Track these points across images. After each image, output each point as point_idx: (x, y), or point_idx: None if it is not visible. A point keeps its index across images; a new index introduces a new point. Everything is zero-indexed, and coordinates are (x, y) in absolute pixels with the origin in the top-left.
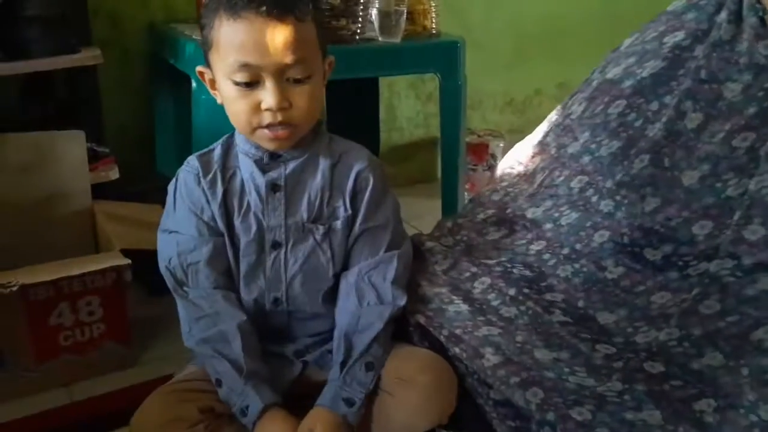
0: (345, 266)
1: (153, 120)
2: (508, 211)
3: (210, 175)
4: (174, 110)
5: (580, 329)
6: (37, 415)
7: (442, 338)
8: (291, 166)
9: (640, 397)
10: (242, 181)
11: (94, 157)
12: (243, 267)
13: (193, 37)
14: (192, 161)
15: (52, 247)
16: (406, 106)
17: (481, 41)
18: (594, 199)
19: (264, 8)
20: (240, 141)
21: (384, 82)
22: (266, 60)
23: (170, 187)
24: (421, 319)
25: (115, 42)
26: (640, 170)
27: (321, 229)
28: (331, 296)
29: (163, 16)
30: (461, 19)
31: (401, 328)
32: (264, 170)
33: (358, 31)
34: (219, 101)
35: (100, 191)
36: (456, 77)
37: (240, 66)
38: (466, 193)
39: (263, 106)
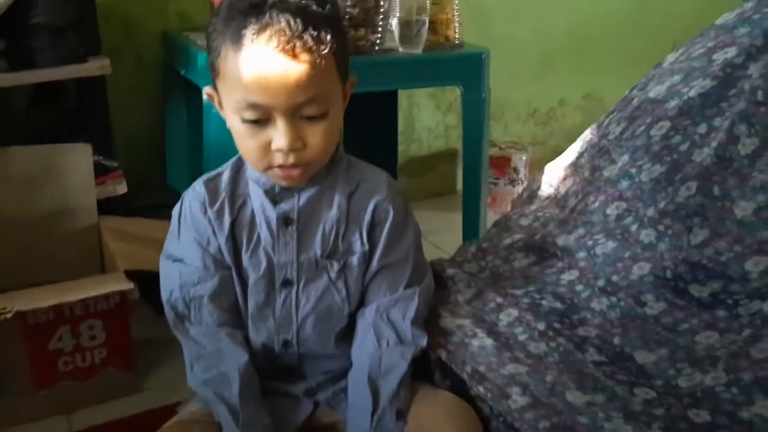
0: (361, 304)
1: (165, 130)
2: (537, 237)
3: (217, 205)
4: (187, 121)
5: (616, 370)
6: None
7: (464, 376)
8: (304, 197)
9: None
10: (252, 212)
11: (101, 171)
12: (251, 306)
13: (205, 47)
14: (198, 187)
15: (57, 264)
16: (426, 116)
17: (505, 51)
18: (633, 228)
19: (275, 41)
20: (251, 168)
21: (403, 93)
22: (277, 100)
23: (175, 212)
24: (443, 355)
25: (127, 49)
26: (686, 199)
27: (336, 265)
28: (345, 336)
29: (177, 23)
30: (485, 29)
31: (421, 364)
32: (275, 201)
33: (378, 41)
34: (229, 124)
35: (107, 206)
36: (480, 90)
37: (248, 105)
38: (487, 208)
39: (274, 146)
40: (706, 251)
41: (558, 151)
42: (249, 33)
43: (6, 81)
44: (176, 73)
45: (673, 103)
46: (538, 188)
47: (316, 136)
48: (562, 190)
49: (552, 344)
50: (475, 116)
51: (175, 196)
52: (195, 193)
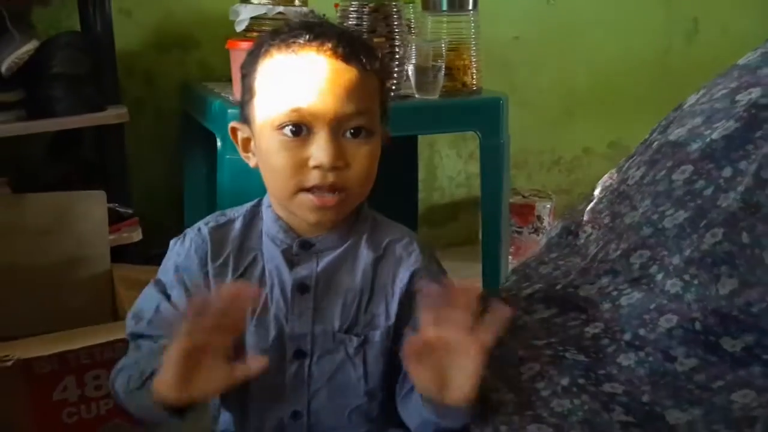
0: (382, 383)
1: (183, 179)
2: (558, 287)
3: (221, 260)
4: (205, 171)
5: (711, 372)
6: None
7: None
8: (325, 260)
9: None
10: (263, 271)
11: (117, 218)
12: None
13: (222, 94)
14: (203, 232)
15: (69, 311)
16: (447, 165)
17: (528, 99)
18: (659, 277)
19: (329, 45)
20: (267, 219)
21: (424, 141)
22: (323, 107)
23: (173, 244)
24: None
25: (148, 100)
26: (712, 246)
27: (355, 340)
28: (361, 414)
29: (198, 74)
30: (507, 76)
31: None
32: (291, 263)
33: (394, 87)
34: (253, 164)
35: (122, 253)
36: (498, 136)
37: (290, 111)
38: (510, 258)
39: (312, 162)
40: (737, 302)
41: None
42: (300, 40)
43: (24, 129)
44: (195, 123)
45: (695, 146)
46: (557, 235)
47: (361, 156)
48: (582, 238)
49: (576, 402)
50: (493, 162)
51: None
52: (198, 239)
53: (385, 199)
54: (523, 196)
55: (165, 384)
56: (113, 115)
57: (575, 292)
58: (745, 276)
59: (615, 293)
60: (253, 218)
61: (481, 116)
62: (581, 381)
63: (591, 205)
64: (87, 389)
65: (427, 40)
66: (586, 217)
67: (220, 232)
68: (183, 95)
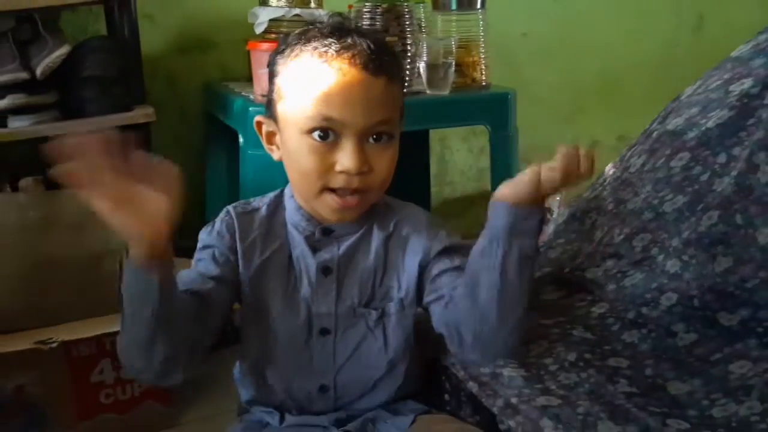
0: (401, 353)
1: (205, 177)
2: (566, 270)
3: (248, 241)
4: (227, 168)
5: (648, 401)
6: None
7: (495, 410)
8: (344, 245)
9: None
10: (289, 257)
11: None
12: (284, 352)
13: (242, 93)
14: (232, 214)
15: (102, 300)
16: (459, 159)
17: (537, 95)
18: (660, 258)
19: (361, 60)
20: (290, 209)
21: (435, 137)
22: (353, 117)
23: (202, 233)
24: (474, 389)
25: (171, 101)
26: (708, 228)
27: (374, 314)
28: (384, 384)
29: (218, 75)
30: (516, 73)
31: (457, 399)
32: (314, 248)
33: (406, 84)
34: (276, 157)
35: None
36: (506, 128)
37: (321, 118)
38: None
39: (339, 168)
40: (732, 278)
41: None
42: (332, 49)
43: (59, 129)
44: (216, 122)
45: (691, 135)
46: (564, 221)
47: (383, 161)
48: (588, 223)
49: (583, 375)
50: (502, 154)
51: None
52: (228, 219)
53: (399, 194)
54: None
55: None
56: (141, 114)
57: (582, 275)
58: (740, 254)
59: (619, 275)
60: (276, 207)
61: (490, 110)
62: (587, 356)
63: (596, 192)
64: (122, 372)
65: (438, 38)
66: (591, 204)
67: (246, 216)
68: (205, 95)
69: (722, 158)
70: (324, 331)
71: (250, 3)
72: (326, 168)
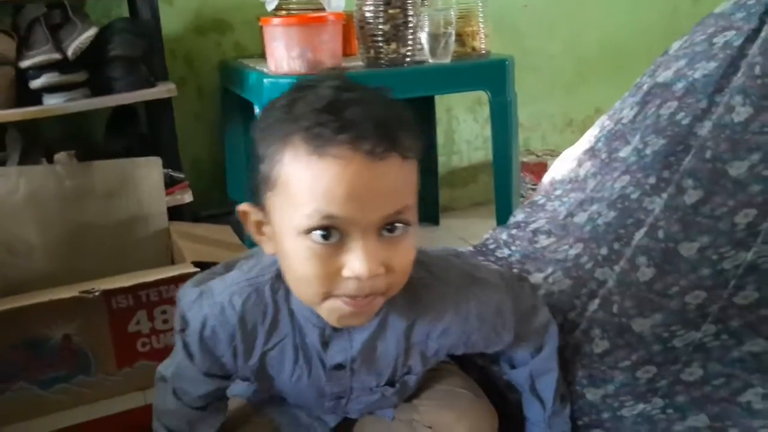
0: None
1: (224, 149)
2: (560, 218)
3: (248, 332)
4: (244, 141)
5: (619, 354)
6: (116, 415)
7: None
8: (358, 340)
9: (683, 407)
10: (296, 349)
11: (170, 182)
12: (293, 401)
13: (256, 68)
14: (229, 312)
15: (134, 265)
16: (465, 129)
17: (540, 64)
18: (634, 196)
19: (365, 144)
20: (296, 299)
21: (442, 107)
22: (360, 212)
23: (189, 337)
24: (479, 361)
25: (190, 80)
26: (684, 165)
27: (391, 390)
28: (396, 398)
29: (233, 54)
30: (518, 43)
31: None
32: (324, 343)
33: (408, 53)
34: (269, 250)
35: (175, 214)
36: (505, 94)
37: (322, 217)
38: None
39: (347, 273)
40: (702, 209)
41: None
42: (328, 130)
43: (89, 105)
44: (233, 96)
45: (680, 85)
46: (560, 174)
47: (402, 257)
48: (582, 174)
49: (567, 338)
50: (502, 118)
51: (235, 207)
52: (223, 317)
53: None
54: (537, 156)
55: None
56: (164, 90)
57: (572, 221)
58: (710, 186)
59: (596, 216)
60: (279, 290)
61: (489, 76)
62: (571, 316)
63: (590, 144)
64: (156, 323)
65: (438, 9)
66: (584, 156)
67: (249, 301)
68: (221, 72)
69: (704, 104)
70: (338, 396)
71: None
72: (331, 274)
